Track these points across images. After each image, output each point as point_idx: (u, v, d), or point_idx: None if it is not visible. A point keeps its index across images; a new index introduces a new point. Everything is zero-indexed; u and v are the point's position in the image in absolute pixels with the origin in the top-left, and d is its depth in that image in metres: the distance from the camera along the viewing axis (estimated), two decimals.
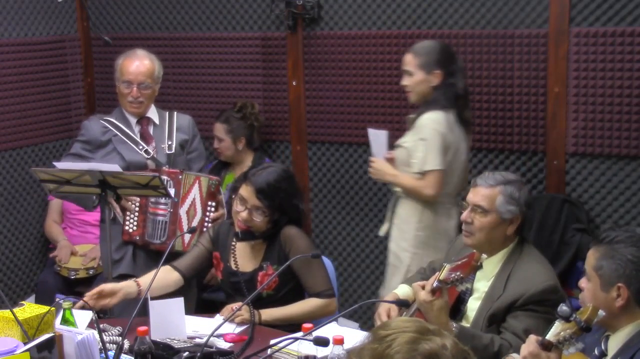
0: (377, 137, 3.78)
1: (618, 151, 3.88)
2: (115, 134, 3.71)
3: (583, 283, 2.46)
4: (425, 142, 3.56)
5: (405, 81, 3.72)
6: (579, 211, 3.94)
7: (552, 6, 3.93)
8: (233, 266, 3.29)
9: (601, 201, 3.96)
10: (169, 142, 3.75)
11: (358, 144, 4.52)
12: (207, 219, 3.65)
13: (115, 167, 3.35)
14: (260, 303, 3.16)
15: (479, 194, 2.97)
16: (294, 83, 4.62)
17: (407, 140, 3.68)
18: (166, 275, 3.28)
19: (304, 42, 4.56)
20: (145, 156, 3.68)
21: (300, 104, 4.63)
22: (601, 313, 2.30)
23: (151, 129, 3.78)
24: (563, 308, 2.27)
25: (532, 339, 2.32)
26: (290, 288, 3.23)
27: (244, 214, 3.18)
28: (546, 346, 2.27)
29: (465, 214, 3.00)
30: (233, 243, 3.31)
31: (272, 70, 4.69)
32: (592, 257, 2.43)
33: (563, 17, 3.91)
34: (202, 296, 4.24)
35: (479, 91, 4.14)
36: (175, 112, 3.89)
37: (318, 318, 3.16)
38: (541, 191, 4.08)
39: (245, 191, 3.18)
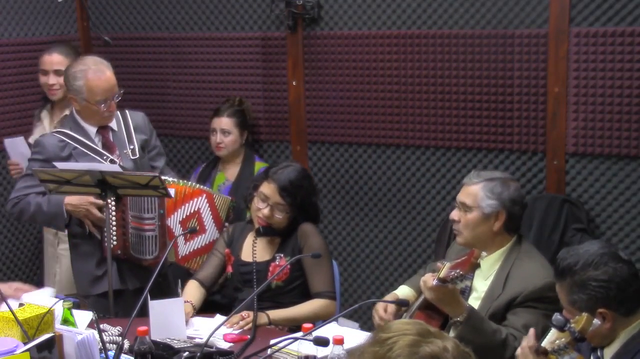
0: (15, 145, 3.97)
1: (618, 151, 3.88)
2: (75, 147, 3.53)
3: (567, 314, 2.43)
4: None
5: (54, 80, 4.08)
6: (579, 211, 3.94)
7: (552, 6, 3.92)
8: (250, 258, 3.35)
9: (601, 201, 3.96)
10: (131, 147, 3.63)
11: (358, 144, 4.52)
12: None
13: (115, 167, 3.35)
14: (269, 293, 3.24)
15: (464, 193, 3.04)
16: (294, 83, 4.62)
17: None
18: (196, 292, 3.35)
19: (304, 42, 4.56)
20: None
21: (300, 104, 4.63)
22: (596, 321, 2.29)
23: (111, 137, 3.64)
24: (558, 317, 2.26)
25: (532, 334, 2.33)
26: (300, 283, 3.29)
27: (266, 211, 3.27)
28: (543, 352, 2.27)
29: (452, 213, 3.06)
30: (254, 239, 3.37)
31: (272, 70, 4.69)
32: (562, 294, 2.43)
33: (563, 17, 3.90)
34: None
35: (479, 91, 4.14)
36: (127, 111, 3.76)
37: (319, 319, 3.18)
38: (541, 191, 4.08)
39: (267, 188, 3.28)
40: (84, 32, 5.17)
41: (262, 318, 3.12)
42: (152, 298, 3.34)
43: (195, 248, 3.59)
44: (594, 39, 3.84)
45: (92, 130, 3.60)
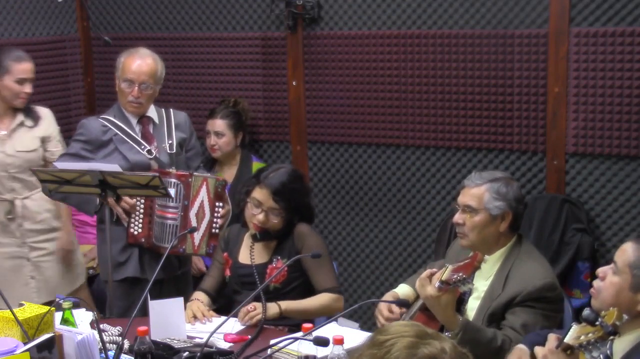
0: None
1: (618, 151, 3.88)
2: (116, 134, 3.63)
3: (604, 273, 2.37)
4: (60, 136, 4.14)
5: (30, 88, 4.00)
6: (579, 211, 3.94)
7: (552, 6, 3.93)
8: (247, 261, 3.34)
9: (601, 201, 3.96)
10: (170, 142, 3.70)
11: (358, 144, 4.52)
12: (215, 220, 3.61)
13: (115, 167, 3.35)
14: (267, 296, 3.21)
15: (467, 195, 3.00)
16: (294, 83, 4.62)
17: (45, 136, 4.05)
18: (205, 298, 3.36)
19: (304, 42, 4.56)
20: (148, 156, 3.63)
21: (300, 104, 4.63)
22: (625, 316, 2.23)
23: (151, 129, 3.72)
24: (587, 312, 2.18)
25: (553, 336, 2.30)
26: (298, 284, 3.28)
27: (261, 217, 3.25)
28: (565, 349, 2.23)
29: (456, 216, 3.01)
30: (251, 242, 3.37)
31: (272, 70, 4.69)
32: (631, 253, 2.32)
33: (563, 17, 3.91)
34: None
35: (479, 91, 4.14)
36: (172, 110, 3.84)
37: (330, 312, 3.19)
38: (541, 191, 4.09)
39: (259, 193, 3.25)
40: (84, 32, 5.17)
41: (274, 308, 3.12)
42: (169, 291, 3.35)
43: (201, 234, 3.60)
44: (594, 39, 3.84)
45: (133, 120, 3.69)
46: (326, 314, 3.21)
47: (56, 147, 4.10)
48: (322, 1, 4.48)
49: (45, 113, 4.14)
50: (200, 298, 3.32)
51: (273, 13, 4.60)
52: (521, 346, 2.61)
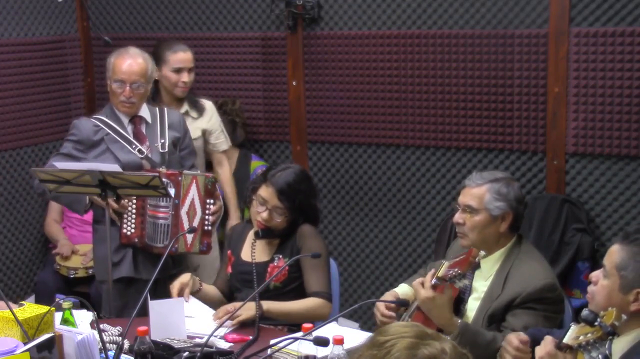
0: None
1: (618, 151, 3.88)
2: (108, 133, 3.62)
3: (596, 277, 2.38)
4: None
5: (187, 78, 4.19)
6: (579, 211, 3.95)
7: (552, 6, 3.93)
8: (249, 258, 3.35)
9: (601, 201, 3.96)
10: (162, 141, 3.69)
11: (358, 144, 4.52)
12: (207, 217, 3.63)
13: (115, 167, 3.35)
14: (267, 294, 3.20)
15: (467, 195, 3.00)
16: (294, 83, 4.62)
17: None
18: (215, 291, 3.39)
19: (304, 42, 4.56)
20: (139, 155, 3.61)
21: (300, 104, 4.63)
22: (623, 316, 2.23)
23: (144, 128, 3.71)
24: (586, 312, 2.19)
25: (549, 339, 2.30)
26: (298, 285, 3.28)
27: (265, 215, 3.25)
28: (563, 349, 2.23)
29: (456, 216, 3.01)
30: (253, 239, 3.37)
31: (272, 70, 4.69)
32: (617, 255, 2.33)
33: (563, 17, 3.91)
34: None
35: (479, 91, 4.14)
36: (166, 109, 3.83)
37: (313, 318, 3.15)
38: (541, 191, 4.09)
39: (265, 192, 3.26)
40: (84, 32, 5.17)
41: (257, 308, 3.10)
42: (163, 291, 3.35)
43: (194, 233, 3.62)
44: (594, 39, 3.84)
45: (125, 119, 3.69)
46: (311, 319, 3.12)
47: (218, 139, 4.29)
48: (322, 1, 4.48)
49: (209, 106, 4.29)
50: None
51: (273, 13, 4.60)
52: (550, 338, 2.56)
